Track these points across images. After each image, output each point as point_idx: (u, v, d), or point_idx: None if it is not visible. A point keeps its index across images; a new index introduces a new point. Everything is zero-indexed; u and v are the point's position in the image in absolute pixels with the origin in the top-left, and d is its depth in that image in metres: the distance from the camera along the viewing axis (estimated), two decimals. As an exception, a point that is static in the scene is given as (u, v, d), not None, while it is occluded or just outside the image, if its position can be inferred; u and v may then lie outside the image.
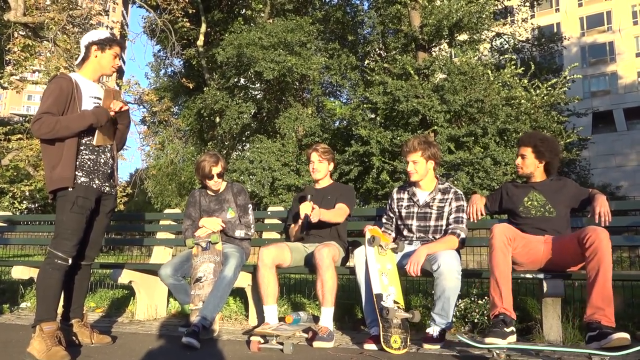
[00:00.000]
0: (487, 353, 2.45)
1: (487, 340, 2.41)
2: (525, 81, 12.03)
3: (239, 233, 3.54)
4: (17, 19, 11.10)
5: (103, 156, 2.86)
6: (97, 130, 2.80)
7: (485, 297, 3.35)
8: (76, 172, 2.71)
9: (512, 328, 2.50)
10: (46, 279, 2.63)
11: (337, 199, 3.48)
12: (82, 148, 2.77)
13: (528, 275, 2.91)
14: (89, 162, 2.78)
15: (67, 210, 2.67)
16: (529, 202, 3.04)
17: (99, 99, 2.84)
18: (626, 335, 2.22)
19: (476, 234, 4.46)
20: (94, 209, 2.80)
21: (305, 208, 3.27)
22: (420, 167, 3.15)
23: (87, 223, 2.77)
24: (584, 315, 2.44)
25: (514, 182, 3.30)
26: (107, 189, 2.90)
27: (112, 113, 2.82)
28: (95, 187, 2.79)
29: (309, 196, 3.35)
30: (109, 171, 2.90)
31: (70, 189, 2.68)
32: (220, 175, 3.54)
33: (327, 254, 3.00)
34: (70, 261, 2.67)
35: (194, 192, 3.74)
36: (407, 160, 3.19)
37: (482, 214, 3.20)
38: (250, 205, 3.65)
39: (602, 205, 2.80)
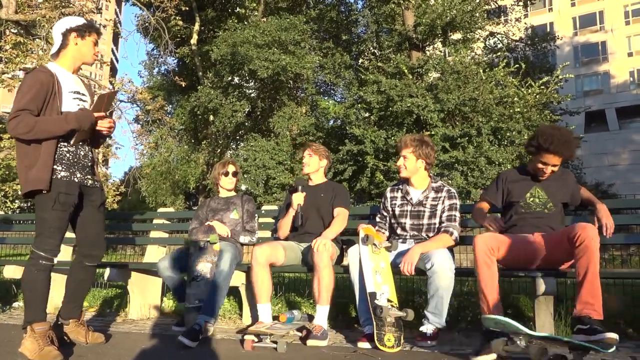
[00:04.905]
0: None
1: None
2: (515, 82, 12.07)
3: (244, 239, 3.61)
4: (8, 17, 10.99)
5: (82, 149, 2.73)
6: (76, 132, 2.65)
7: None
8: (55, 167, 2.57)
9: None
10: (32, 282, 2.54)
11: (333, 199, 3.44)
12: (60, 140, 2.61)
13: (521, 274, 2.91)
14: (68, 155, 2.65)
15: (49, 207, 2.54)
16: (531, 199, 3.02)
17: (79, 93, 2.71)
18: (615, 336, 2.28)
19: (469, 233, 4.46)
20: (77, 204, 2.68)
21: (298, 199, 3.36)
22: (409, 163, 3.16)
23: (72, 219, 2.67)
24: (574, 311, 2.47)
25: (512, 172, 3.21)
26: (90, 181, 2.77)
27: (97, 114, 2.64)
28: (77, 180, 2.66)
29: (300, 187, 3.42)
30: (90, 164, 2.78)
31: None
32: (234, 175, 3.75)
33: (326, 252, 3.00)
34: (55, 260, 2.59)
35: (206, 199, 3.93)
36: (399, 155, 3.22)
37: (502, 227, 3.06)
38: (256, 215, 3.78)
39: (607, 218, 2.87)
